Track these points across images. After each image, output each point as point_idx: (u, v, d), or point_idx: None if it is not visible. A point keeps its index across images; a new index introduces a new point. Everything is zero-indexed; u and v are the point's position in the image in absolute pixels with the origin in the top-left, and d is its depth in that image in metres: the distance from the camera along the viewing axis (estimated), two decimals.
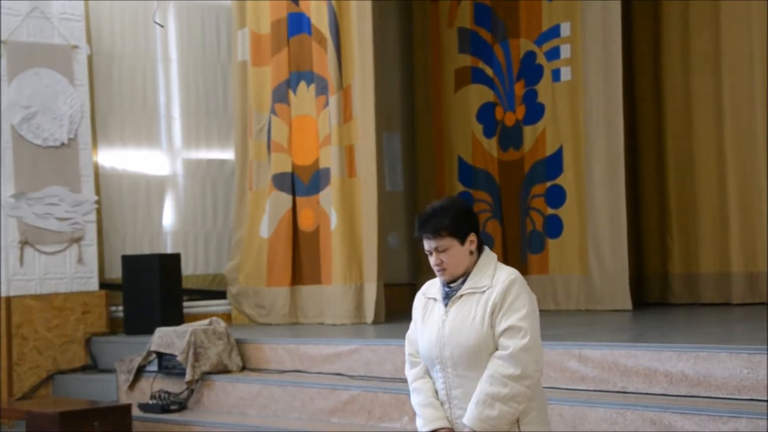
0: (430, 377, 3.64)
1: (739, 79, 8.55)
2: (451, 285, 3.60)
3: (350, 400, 6.51)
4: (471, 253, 3.57)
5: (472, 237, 3.57)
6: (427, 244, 3.57)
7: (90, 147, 8.94)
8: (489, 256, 3.61)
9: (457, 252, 3.55)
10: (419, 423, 3.63)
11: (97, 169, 9.14)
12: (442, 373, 3.57)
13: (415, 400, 3.66)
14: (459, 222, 3.54)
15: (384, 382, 6.54)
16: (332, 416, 6.58)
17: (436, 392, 3.62)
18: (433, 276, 3.71)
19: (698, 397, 5.21)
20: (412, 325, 3.74)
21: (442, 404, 3.60)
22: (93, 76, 9.19)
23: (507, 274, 3.55)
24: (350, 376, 6.78)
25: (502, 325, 3.48)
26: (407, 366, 3.73)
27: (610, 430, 5.24)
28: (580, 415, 5.38)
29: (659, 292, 9.14)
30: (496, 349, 3.49)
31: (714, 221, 8.72)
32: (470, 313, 3.52)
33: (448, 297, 3.59)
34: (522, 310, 3.47)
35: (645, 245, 9.28)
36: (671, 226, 9.06)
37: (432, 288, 3.68)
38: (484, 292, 3.53)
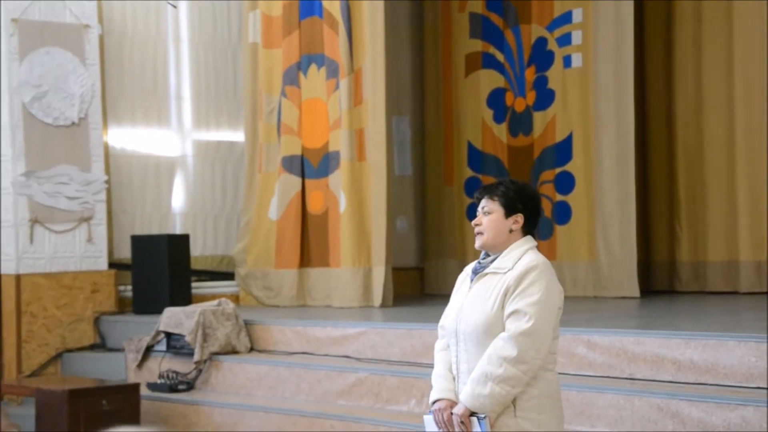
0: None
1: (750, 69, 8.53)
2: (482, 261, 3.66)
3: (357, 383, 6.54)
4: (511, 231, 3.62)
5: (519, 218, 3.62)
6: (480, 204, 3.68)
7: (100, 127, 8.95)
8: (526, 241, 3.65)
9: (497, 220, 3.61)
10: (432, 393, 3.70)
11: (107, 148, 9.16)
12: (456, 347, 3.63)
13: (434, 370, 3.74)
14: (514, 197, 3.63)
15: (391, 365, 6.57)
16: (339, 398, 6.61)
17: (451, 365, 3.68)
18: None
19: (706, 384, 5.22)
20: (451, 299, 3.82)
21: (454, 378, 3.65)
22: (104, 56, 9.19)
23: (530, 260, 3.57)
24: (357, 359, 6.81)
25: (510, 308, 3.51)
26: (438, 338, 3.82)
27: (618, 416, 5.26)
28: (587, 401, 5.40)
29: (667, 279, 9.15)
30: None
31: (722, 210, 8.72)
32: (488, 292, 3.57)
33: (476, 273, 3.65)
34: (533, 297, 3.49)
35: (653, 233, 9.28)
36: (680, 214, 9.06)
37: (473, 265, 3.75)
38: (504, 273, 3.57)
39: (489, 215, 3.64)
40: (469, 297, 3.62)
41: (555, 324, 3.58)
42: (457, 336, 3.62)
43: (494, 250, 3.66)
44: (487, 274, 3.61)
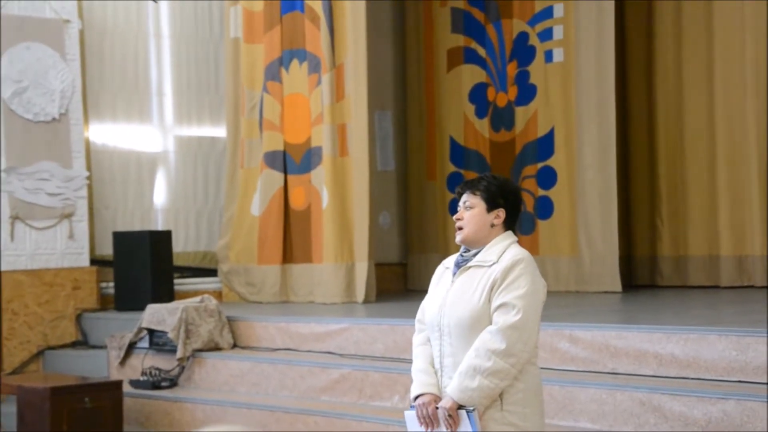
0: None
1: (730, 65, 8.58)
2: (464, 255, 3.66)
3: (341, 379, 6.54)
4: (492, 226, 3.63)
5: (500, 213, 3.64)
6: (462, 199, 3.69)
7: (81, 122, 8.90)
8: (508, 236, 3.66)
9: (478, 214, 3.63)
10: (412, 388, 3.68)
11: (88, 144, 9.11)
12: (439, 341, 3.62)
13: (414, 365, 3.72)
14: (496, 192, 3.65)
15: (375, 360, 6.57)
16: (323, 394, 6.61)
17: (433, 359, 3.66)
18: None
19: (687, 378, 5.26)
20: (428, 293, 3.80)
21: (436, 372, 3.63)
22: (85, 51, 9.13)
23: (515, 253, 3.59)
24: (341, 355, 6.81)
25: (497, 301, 3.51)
26: (415, 332, 3.80)
27: (600, 410, 5.29)
28: (570, 396, 5.42)
29: (648, 274, 9.20)
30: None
31: (703, 204, 8.77)
32: (472, 285, 3.57)
33: (458, 266, 3.65)
34: (520, 290, 3.50)
35: (635, 227, 9.33)
36: (661, 208, 9.11)
37: (451, 259, 3.75)
38: (489, 266, 3.57)
39: (471, 210, 3.65)
40: (453, 290, 3.61)
41: (539, 317, 3.60)
42: (441, 330, 3.60)
43: (475, 245, 3.66)
44: (470, 267, 3.61)
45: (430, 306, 3.69)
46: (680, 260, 8.93)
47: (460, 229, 3.67)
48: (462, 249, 3.71)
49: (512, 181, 3.89)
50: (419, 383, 3.65)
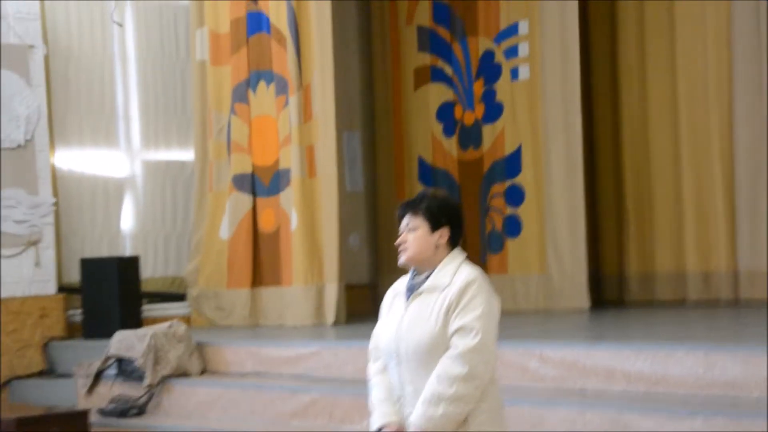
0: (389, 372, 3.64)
1: (693, 82, 8.66)
2: (416, 279, 3.61)
3: (311, 403, 6.50)
4: (437, 246, 3.58)
5: (444, 232, 3.58)
6: (403, 221, 3.62)
7: (47, 148, 8.84)
8: (457, 255, 3.61)
9: (422, 236, 3.57)
10: (373, 418, 3.62)
11: (54, 170, 9.04)
12: (397, 369, 3.57)
13: (372, 395, 3.67)
14: (438, 211, 3.58)
15: (345, 384, 6.54)
16: (293, 419, 6.57)
17: (393, 388, 3.61)
18: (396, 276, 3.72)
19: (656, 395, 5.27)
20: (380, 320, 3.75)
21: (397, 400, 3.59)
22: (50, 77, 9.07)
23: (467, 273, 3.54)
24: (311, 379, 6.77)
25: (455, 325, 3.47)
26: (370, 361, 3.74)
27: (570, 430, 5.28)
28: (540, 415, 5.41)
29: (616, 290, 9.24)
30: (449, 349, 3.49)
31: (669, 221, 8.83)
32: (427, 310, 3.52)
33: (411, 291, 3.60)
34: (476, 311, 3.46)
35: (602, 245, 9.37)
36: (628, 225, 9.15)
37: (401, 283, 3.69)
38: (443, 290, 3.52)
39: (414, 231, 3.59)
40: (407, 316, 3.55)
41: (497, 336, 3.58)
42: (399, 357, 3.55)
43: (421, 266, 3.60)
44: (423, 292, 3.56)
45: (384, 333, 3.63)
46: (647, 277, 8.98)
47: (404, 249, 3.60)
48: (411, 272, 3.65)
49: (452, 197, 3.83)
50: (381, 413, 3.60)
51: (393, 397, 3.60)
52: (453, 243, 3.62)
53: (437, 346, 3.48)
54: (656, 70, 8.92)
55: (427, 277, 3.58)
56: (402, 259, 3.61)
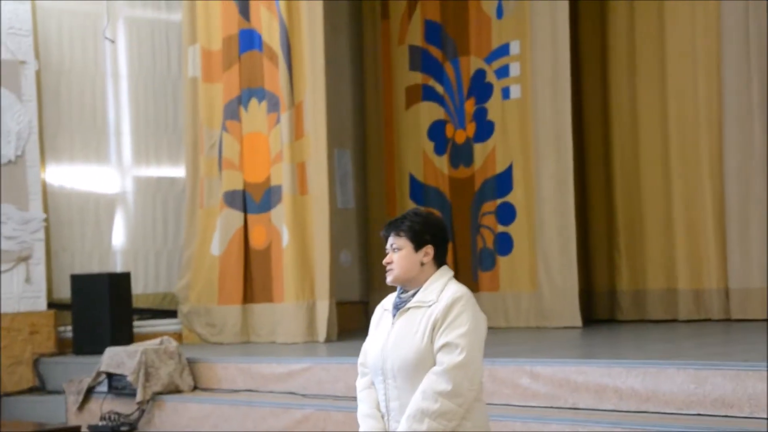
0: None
1: (684, 105, 8.71)
2: (402, 296, 3.62)
3: (303, 419, 6.50)
4: (423, 264, 3.59)
5: (429, 250, 3.60)
6: (388, 241, 3.63)
7: (38, 164, 8.83)
8: (444, 272, 3.63)
9: (407, 255, 3.58)
10: None
11: (45, 186, 9.03)
12: (383, 385, 3.58)
13: (359, 410, 3.68)
14: (420, 229, 3.60)
15: (337, 400, 6.54)
16: None
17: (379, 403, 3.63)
18: (386, 293, 3.73)
19: (647, 412, 5.28)
20: (369, 335, 3.76)
21: (383, 416, 3.60)
22: (41, 92, 9.08)
23: (454, 291, 3.55)
24: (303, 395, 6.77)
25: (440, 341, 3.48)
26: (358, 376, 3.76)
27: None
28: None
29: (608, 308, 9.25)
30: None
31: (660, 238, 8.86)
32: (413, 326, 3.53)
33: (397, 308, 3.61)
34: (462, 328, 3.47)
35: (593, 262, 9.39)
36: (619, 243, 9.18)
37: (389, 300, 3.70)
38: (429, 306, 3.54)
39: (399, 251, 3.60)
40: (394, 333, 3.57)
41: (482, 353, 3.59)
42: (385, 373, 3.56)
43: (409, 284, 3.62)
44: (409, 308, 3.58)
45: (371, 349, 3.65)
46: (638, 294, 9.00)
47: (390, 270, 3.61)
48: (399, 290, 3.66)
49: (435, 215, 3.84)
50: (366, 428, 3.61)
51: (378, 412, 3.61)
52: (439, 260, 3.64)
53: (423, 362, 3.49)
54: (647, 90, 8.98)
55: (414, 294, 3.60)
56: (389, 279, 3.64)
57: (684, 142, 8.71)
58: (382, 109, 10.20)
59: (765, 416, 4.90)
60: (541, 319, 8.76)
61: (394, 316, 3.61)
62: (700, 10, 8.58)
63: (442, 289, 3.56)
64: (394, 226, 3.63)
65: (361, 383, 3.72)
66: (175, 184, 9.84)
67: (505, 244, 9.15)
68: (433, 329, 3.49)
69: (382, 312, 3.69)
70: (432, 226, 3.63)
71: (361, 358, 3.74)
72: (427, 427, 3.43)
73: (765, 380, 4.94)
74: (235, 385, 7.25)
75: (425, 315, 3.52)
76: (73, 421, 7.63)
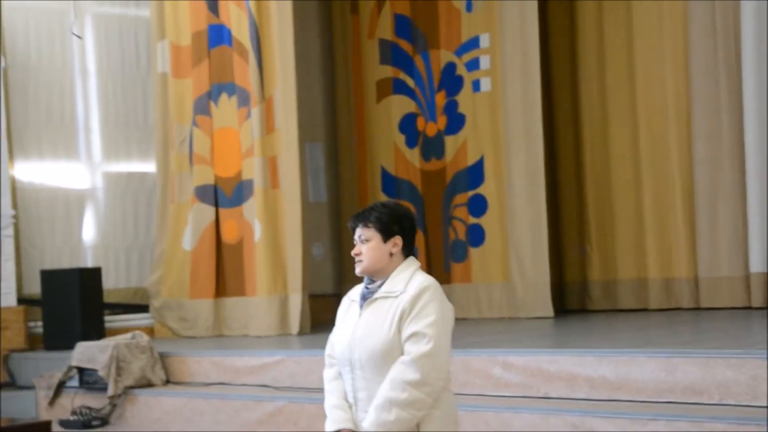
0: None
1: (652, 96, 8.79)
2: (369, 287, 3.63)
3: (276, 412, 6.49)
4: (391, 255, 3.60)
5: (397, 240, 3.61)
6: (356, 233, 3.64)
7: (6, 160, 8.77)
8: (411, 263, 3.64)
9: (376, 247, 3.59)
10: (327, 424, 3.63)
11: (13, 183, 8.97)
12: (351, 375, 3.58)
13: (326, 401, 3.68)
14: (388, 220, 3.60)
15: (310, 392, 6.53)
16: (258, 428, 6.55)
17: (347, 394, 3.63)
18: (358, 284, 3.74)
19: (618, 400, 5.32)
20: (335, 327, 3.77)
21: (350, 406, 3.60)
22: (9, 89, 9.01)
23: (420, 281, 3.56)
24: (276, 388, 6.76)
25: (407, 331, 3.48)
26: (325, 367, 3.76)
27: None
28: (504, 421, 5.45)
29: (579, 298, 9.32)
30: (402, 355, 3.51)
31: (631, 229, 8.93)
32: (381, 317, 3.54)
33: (365, 299, 3.62)
34: (429, 318, 3.48)
35: (565, 253, 9.45)
36: (590, 234, 9.25)
37: (356, 291, 3.71)
38: (396, 297, 3.55)
39: (367, 243, 3.60)
40: (361, 323, 3.57)
41: (450, 343, 3.61)
42: (352, 363, 3.56)
43: (378, 275, 3.62)
44: (377, 299, 3.58)
45: (339, 340, 3.65)
46: (609, 284, 9.07)
47: (359, 261, 3.62)
48: (366, 280, 3.66)
49: (402, 206, 3.83)
50: (334, 419, 3.60)
51: (346, 403, 3.61)
52: (407, 250, 3.65)
53: (390, 352, 3.50)
54: (616, 82, 9.05)
55: (381, 285, 3.60)
56: (358, 270, 3.63)
57: (653, 135, 8.78)
58: (353, 102, 10.20)
59: (733, 403, 4.95)
60: (513, 309, 8.80)
61: (361, 306, 3.61)
62: (666, 5, 8.65)
63: (409, 279, 3.56)
64: (362, 218, 3.63)
65: (328, 374, 3.71)
66: (146, 179, 9.79)
67: (477, 236, 9.18)
68: (401, 319, 3.49)
69: (350, 303, 3.69)
70: (400, 216, 3.63)
71: (328, 350, 3.73)
72: (396, 417, 3.44)
73: (733, 367, 4.99)
74: (208, 379, 7.23)
75: (393, 305, 3.53)
76: (44, 416, 7.58)
